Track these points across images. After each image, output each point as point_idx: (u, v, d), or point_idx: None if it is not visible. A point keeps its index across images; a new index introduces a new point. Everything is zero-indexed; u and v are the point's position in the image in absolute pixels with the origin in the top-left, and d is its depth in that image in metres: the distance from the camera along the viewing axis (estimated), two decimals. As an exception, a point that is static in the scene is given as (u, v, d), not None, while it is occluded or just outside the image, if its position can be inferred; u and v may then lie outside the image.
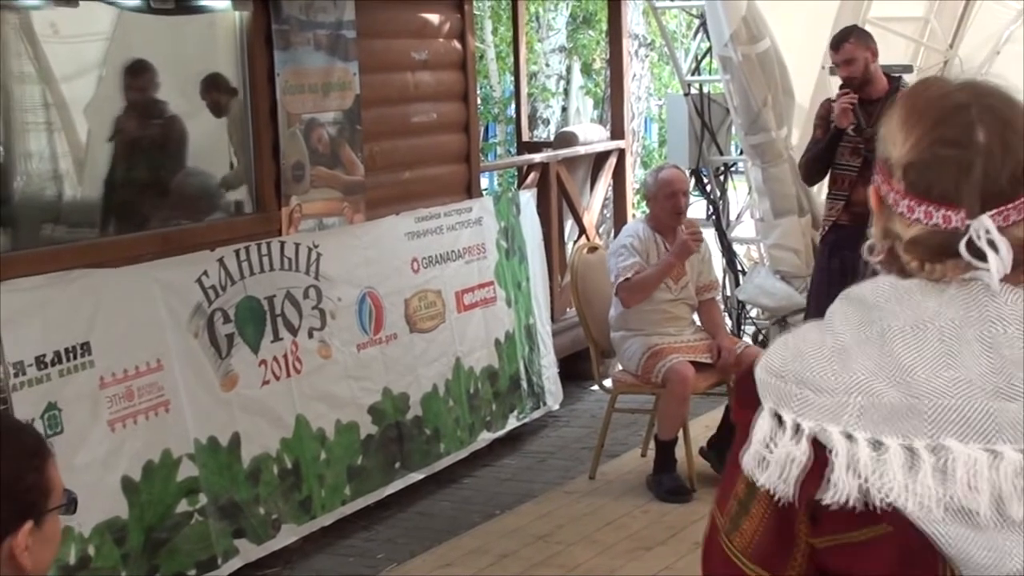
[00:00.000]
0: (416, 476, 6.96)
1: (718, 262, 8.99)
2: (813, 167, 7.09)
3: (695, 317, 7.09)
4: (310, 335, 6.32)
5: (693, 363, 6.68)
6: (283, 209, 6.68)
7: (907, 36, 9.90)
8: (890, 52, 9.69)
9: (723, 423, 6.99)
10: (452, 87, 8.12)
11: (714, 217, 9.80)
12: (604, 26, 12.49)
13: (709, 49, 9.33)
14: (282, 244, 6.26)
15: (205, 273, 5.76)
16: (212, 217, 6.76)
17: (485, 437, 7.58)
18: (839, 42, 7.07)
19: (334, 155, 6.98)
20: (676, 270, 6.90)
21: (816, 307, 7.13)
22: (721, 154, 9.78)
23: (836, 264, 7.00)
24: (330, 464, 6.36)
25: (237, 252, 5.96)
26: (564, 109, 18.40)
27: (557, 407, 8.40)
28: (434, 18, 7.93)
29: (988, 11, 10.11)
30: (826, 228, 7.13)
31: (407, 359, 6.97)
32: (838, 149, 7.05)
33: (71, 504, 2.15)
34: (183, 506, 5.50)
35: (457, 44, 8.13)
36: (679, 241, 6.76)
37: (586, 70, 18.58)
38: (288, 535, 6.06)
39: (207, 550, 5.58)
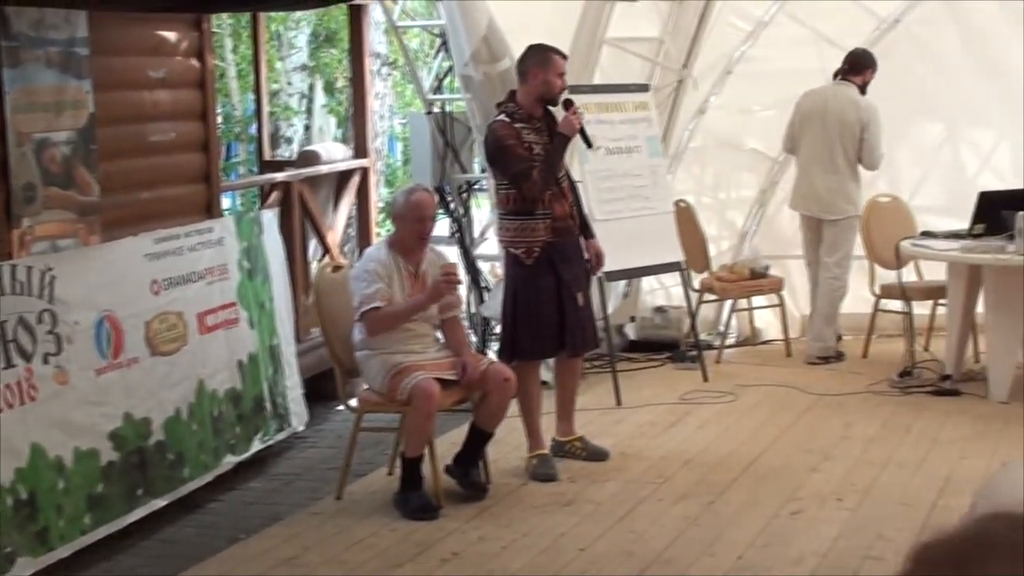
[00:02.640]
0: (160, 502, 6.82)
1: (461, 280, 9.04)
2: (550, 179, 7.17)
3: (439, 335, 7.12)
4: (45, 361, 6.12)
5: (438, 380, 6.70)
6: (14, 231, 6.47)
7: (643, 56, 10.14)
8: (627, 71, 9.93)
9: (469, 439, 7.04)
10: (191, 105, 7.99)
11: (458, 234, 9.88)
12: (346, 45, 12.45)
13: (451, 68, 9.40)
14: (13, 267, 6.05)
15: (-69, 298, 5.54)
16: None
17: (230, 460, 7.47)
18: (561, 56, 7.25)
19: (68, 175, 6.80)
20: (418, 288, 6.92)
21: (527, 324, 7.29)
22: (464, 172, 9.86)
23: (551, 281, 7.21)
24: (68, 493, 6.17)
25: (-35, 276, 5.75)
26: (307, 128, 18.29)
27: (303, 428, 8.34)
28: (171, 36, 7.80)
29: (720, 32, 10.43)
30: (538, 249, 7.20)
31: (148, 383, 6.83)
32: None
33: None
34: (-90, 542, 5.27)
35: (195, 62, 8.01)
36: (434, 283, 6.81)
37: (329, 89, 18.51)
38: (24, 568, 5.85)
39: (-64, 587, 5.37)
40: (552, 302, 7.23)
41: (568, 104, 7.19)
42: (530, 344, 7.31)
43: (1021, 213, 8.42)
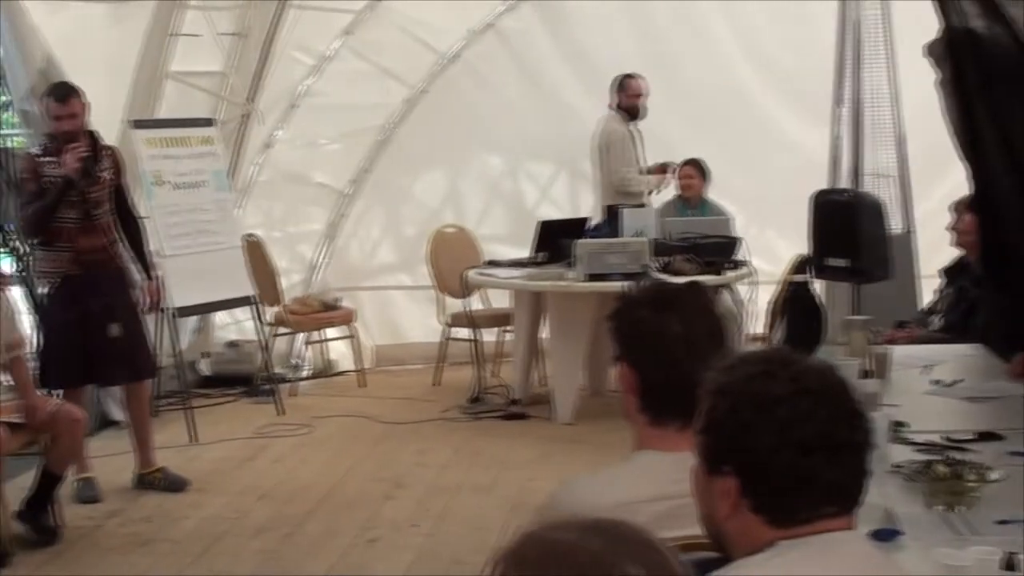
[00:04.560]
0: None
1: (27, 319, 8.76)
2: (45, 219, 7.17)
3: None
4: None
5: (4, 424, 6.48)
6: None
7: (208, 90, 10.08)
8: (192, 106, 9.84)
9: (39, 483, 6.82)
10: None
11: (22, 273, 9.54)
12: None
13: (10, 102, 9.11)
14: None
15: None
16: None
17: None
18: (66, 96, 7.23)
19: None
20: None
21: (54, 354, 7.27)
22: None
23: (76, 315, 7.25)
24: None
25: None
26: None
27: None
28: None
29: (286, 67, 10.47)
30: (57, 281, 7.27)
31: None
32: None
33: None
34: None
35: None
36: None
37: None
38: None
39: None
40: (76, 333, 7.26)
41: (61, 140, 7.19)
42: (57, 374, 7.31)
43: (579, 241, 8.80)
